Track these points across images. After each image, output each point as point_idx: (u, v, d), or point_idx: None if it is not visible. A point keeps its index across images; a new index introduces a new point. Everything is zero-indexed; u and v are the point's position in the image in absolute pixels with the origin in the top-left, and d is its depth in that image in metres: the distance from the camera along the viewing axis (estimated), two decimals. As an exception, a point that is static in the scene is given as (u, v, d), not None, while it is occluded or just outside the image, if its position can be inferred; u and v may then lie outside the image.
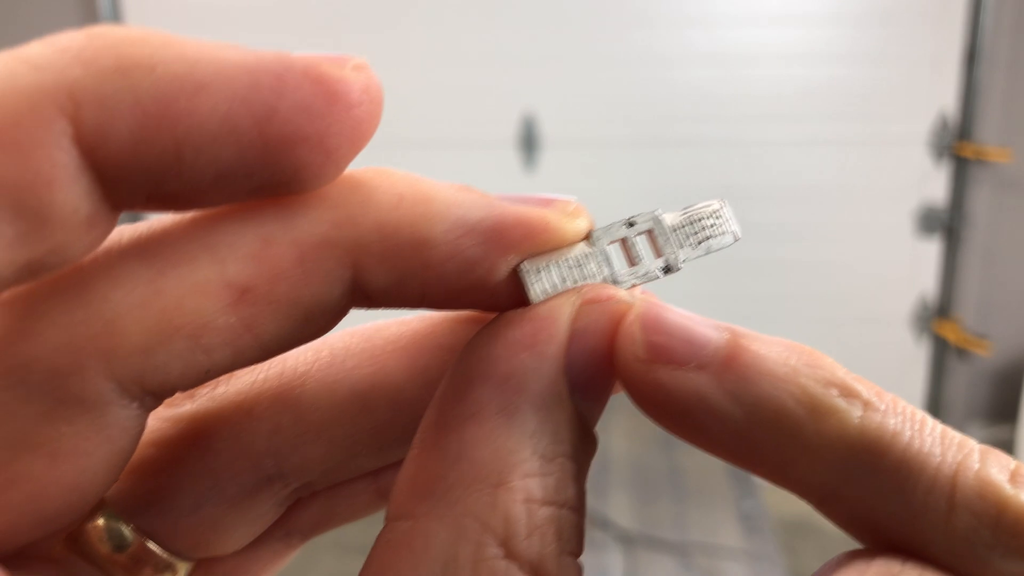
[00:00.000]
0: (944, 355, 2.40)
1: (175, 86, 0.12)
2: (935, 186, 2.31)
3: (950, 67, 2.23)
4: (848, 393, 0.14)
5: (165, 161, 0.13)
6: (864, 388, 0.14)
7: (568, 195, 0.16)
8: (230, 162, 0.13)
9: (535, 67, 2.26)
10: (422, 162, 2.16)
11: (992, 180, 2.28)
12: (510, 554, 0.13)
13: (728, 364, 0.14)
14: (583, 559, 0.14)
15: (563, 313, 0.15)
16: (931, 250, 2.35)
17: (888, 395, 0.14)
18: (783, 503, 2.05)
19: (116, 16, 2.27)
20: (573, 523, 0.14)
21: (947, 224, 2.32)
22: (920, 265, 2.36)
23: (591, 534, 1.24)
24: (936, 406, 2.38)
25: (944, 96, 2.25)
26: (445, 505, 0.13)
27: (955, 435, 0.14)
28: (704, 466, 1.53)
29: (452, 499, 0.13)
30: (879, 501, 0.13)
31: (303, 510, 0.19)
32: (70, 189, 0.12)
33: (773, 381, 0.14)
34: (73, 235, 0.13)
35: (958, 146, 2.25)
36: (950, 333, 2.32)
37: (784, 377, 0.14)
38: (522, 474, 0.14)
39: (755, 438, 0.14)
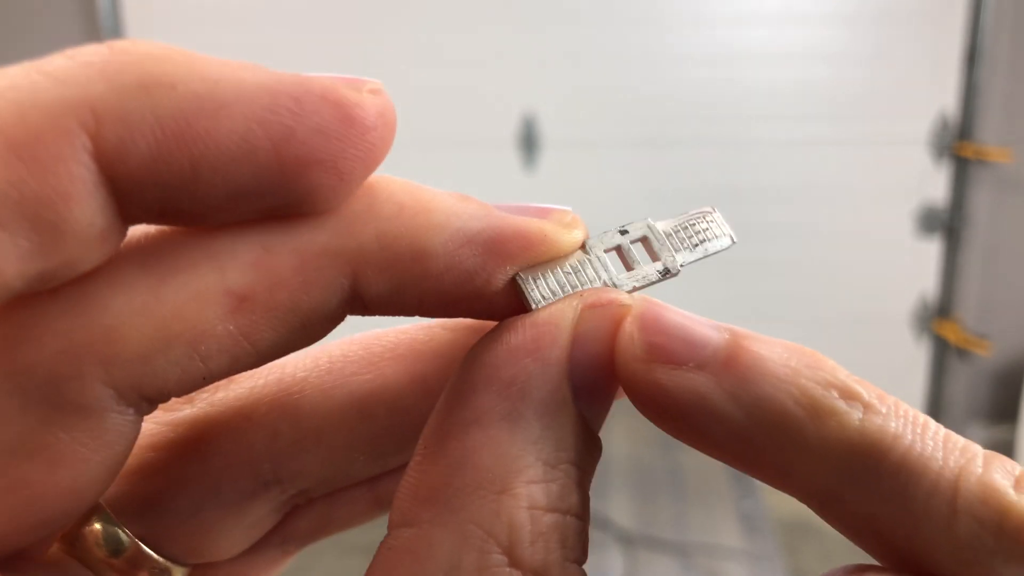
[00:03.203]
0: (944, 355, 2.40)
1: (195, 105, 0.12)
2: (935, 186, 2.31)
3: (950, 67, 2.23)
4: (849, 395, 0.14)
5: (181, 179, 0.13)
6: (865, 390, 0.14)
7: (564, 205, 0.16)
8: (245, 182, 0.13)
9: (535, 67, 2.26)
10: (422, 162, 2.16)
11: (992, 180, 2.28)
12: (514, 561, 0.13)
13: (728, 364, 0.14)
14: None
15: (565, 318, 0.15)
16: (931, 250, 2.35)
17: (890, 398, 0.14)
18: (783, 503, 2.05)
19: (115, 15, 2.27)
20: (577, 530, 0.14)
21: (947, 224, 2.32)
22: (920, 265, 2.36)
23: (591, 534, 1.24)
24: (936, 406, 2.38)
25: (944, 96, 2.25)
26: (449, 512, 0.13)
27: (958, 439, 0.14)
28: (704, 466, 1.53)
29: (456, 506, 0.13)
30: (880, 505, 0.13)
31: (300, 517, 0.19)
32: (87, 204, 0.12)
33: (773, 382, 0.14)
34: (86, 248, 0.13)
35: (958, 146, 2.25)
36: (950, 333, 2.32)
37: (784, 378, 0.14)
38: (526, 480, 0.13)
39: (755, 440, 0.14)
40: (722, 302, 2.30)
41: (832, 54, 2.23)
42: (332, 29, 2.27)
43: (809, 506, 0.14)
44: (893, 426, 0.13)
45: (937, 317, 2.37)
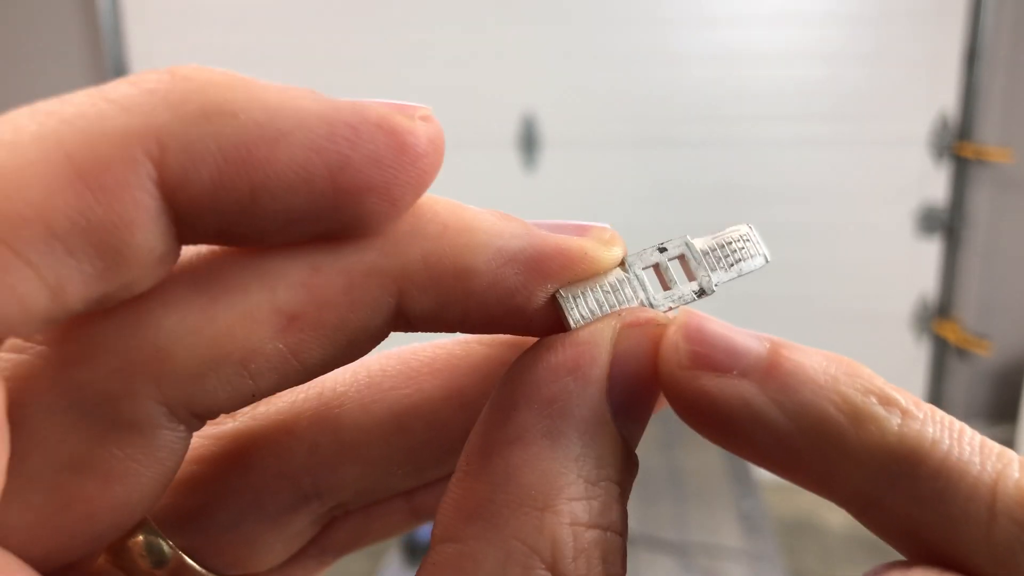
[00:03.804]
0: (944, 355, 2.40)
1: (256, 134, 0.13)
2: (935, 186, 2.31)
3: (950, 67, 2.23)
4: (887, 401, 0.14)
5: (240, 205, 0.13)
6: (903, 397, 0.14)
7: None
8: (300, 207, 0.13)
9: (535, 67, 2.26)
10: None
11: (992, 180, 2.28)
12: None
13: (770, 372, 0.14)
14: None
15: (604, 337, 0.15)
16: (931, 250, 2.35)
17: (926, 405, 0.14)
18: (783, 503, 2.05)
19: (115, 15, 2.27)
20: (617, 546, 0.14)
21: (947, 224, 2.32)
22: (920, 265, 2.36)
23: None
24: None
25: (944, 96, 2.25)
26: (492, 528, 0.14)
27: (994, 445, 0.14)
28: (704, 466, 1.53)
29: (499, 522, 0.14)
30: (919, 509, 0.14)
31: (338, 528, 0.20)
32: (149, 231, 0.12)
33: (814, 389, 0.14)
34: (146, 272, 0.13)
35: (958, 146, 2.25)
36: (950, 333, 2.32)
37: (825, 385, 0.14)
38: (568, 497, 0.14)
39: (797, 445, 0.14)
40: (721, 302, 2.29)
41: (832, 54, 2.23)
42: (332, 29, 2.27)
43: (849, 511, 0.15)
44: (931, 431, 0.14)
45: (937, 317, 2.37)
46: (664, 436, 1.59)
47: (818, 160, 2.30)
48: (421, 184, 0.14)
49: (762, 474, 1.59)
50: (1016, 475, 0.13)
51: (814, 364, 0.14)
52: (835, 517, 2.09)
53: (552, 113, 2.29)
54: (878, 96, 2.25)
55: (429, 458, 0.18)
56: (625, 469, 0.15)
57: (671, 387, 0.15)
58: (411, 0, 2.24)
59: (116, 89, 0.12)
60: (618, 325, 0.15)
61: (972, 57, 2.20)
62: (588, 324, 0.16)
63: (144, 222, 0.12)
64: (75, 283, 0.12)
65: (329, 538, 0.20)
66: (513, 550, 0.13)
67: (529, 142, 2.29)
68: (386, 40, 2.26)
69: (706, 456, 1.56)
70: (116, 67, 2.29)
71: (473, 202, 0.16)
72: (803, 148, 2.29)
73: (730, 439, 0.15)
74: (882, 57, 2.22)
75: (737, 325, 0.15)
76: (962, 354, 2.35)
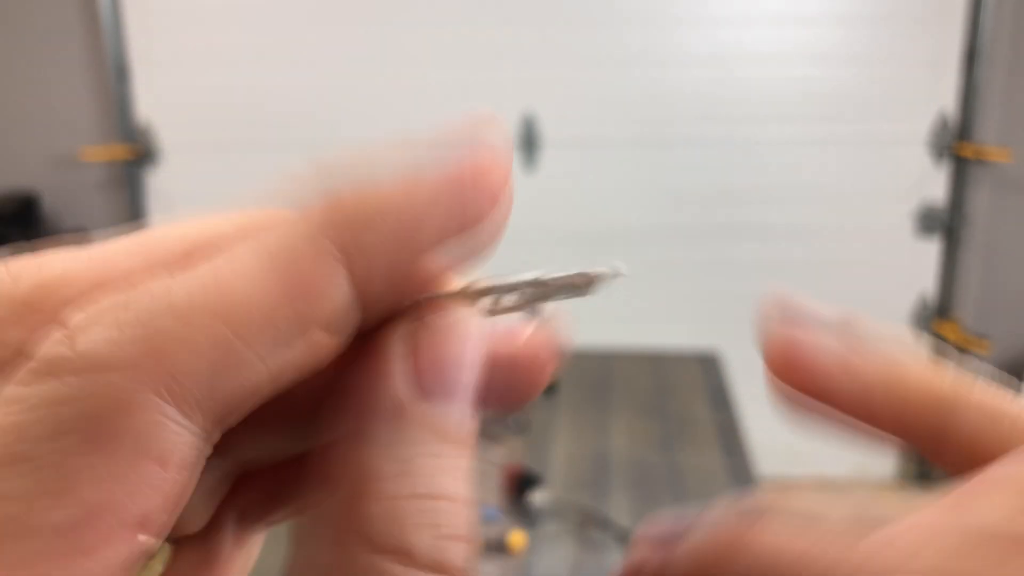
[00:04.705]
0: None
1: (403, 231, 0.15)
2: (935, 186, 2.31)
3: (950, 67, 2.23)
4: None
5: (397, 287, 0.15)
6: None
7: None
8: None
9: (535, 67, 2.26)
10: (422, 162, 2.16)
11: (992, 180, 2.28)
12: (375, 549, 0.14)
13: (845, 328, 0.18)
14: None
15: (404, 329, 0.16)
16: (931, 250, 2.35)
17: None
18: (783, 503, 2.04)
19: (115, 15, 2.27)
20: (446, 510, 0.15)
21: (947, 224, 2.32)
22: (920, 265, 2.36)
23: (591, 534, 1.24)
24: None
25: (944, 96, 2.25)
26: (320, 526, 0.15)
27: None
28: (704, 466, 1.53)
29: (321, 519, 0.15)
30: (976, 437, 0.16)
31: (248, 490, 0.20)
32: (342, 324, 0.15)
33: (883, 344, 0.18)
34: (333, 352, 0.15)
35: (958, 146, 2.25)
36: (950, 333, 2.32)
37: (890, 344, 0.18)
38: (378, 478, 0.14)
39: (873, 392, 0.17)
40: (722, 301, 2.30)
41: (832, 54, 2.23)
42: (332, 29, 2.27)
43: (918, 449, 0.18)
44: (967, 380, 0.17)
45: (937, 317, 2.38)
46: (664, 436, 1.59)
47: (818, 160, 2.30)
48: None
49: (762, 474, 1.59)
50: None
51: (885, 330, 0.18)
52: (835, 517, 2.09)
53: (552, 113, 2.29)
54: (878, 96, 2.25)
55: (310, 424, 0.18)
56: (453, 444, 0.15)
57: (766, 343, 0.18)
58: (411, 1, 2.25)
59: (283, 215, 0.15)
60: (417, 315, 0.16)
61: (972, 57, 2.20)
62: (395, 320, 0.16)
63: (339, 316, 0.14)
64: (288, 371, 0.14)
65: (241, 498, 0.20)
66: (329, 538, 0.14)
67: (529, 142, 2.29)
68: (385, 40, 2.26)
69: (706, 456, 1.56)
70: (116, 67, 2.29)
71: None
72: (803, 148, 2.29)
73: (811, 388, 0.18)
74: (882, 57, 2.22)
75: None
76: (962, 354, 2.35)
